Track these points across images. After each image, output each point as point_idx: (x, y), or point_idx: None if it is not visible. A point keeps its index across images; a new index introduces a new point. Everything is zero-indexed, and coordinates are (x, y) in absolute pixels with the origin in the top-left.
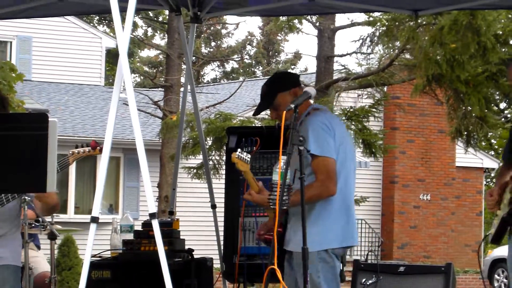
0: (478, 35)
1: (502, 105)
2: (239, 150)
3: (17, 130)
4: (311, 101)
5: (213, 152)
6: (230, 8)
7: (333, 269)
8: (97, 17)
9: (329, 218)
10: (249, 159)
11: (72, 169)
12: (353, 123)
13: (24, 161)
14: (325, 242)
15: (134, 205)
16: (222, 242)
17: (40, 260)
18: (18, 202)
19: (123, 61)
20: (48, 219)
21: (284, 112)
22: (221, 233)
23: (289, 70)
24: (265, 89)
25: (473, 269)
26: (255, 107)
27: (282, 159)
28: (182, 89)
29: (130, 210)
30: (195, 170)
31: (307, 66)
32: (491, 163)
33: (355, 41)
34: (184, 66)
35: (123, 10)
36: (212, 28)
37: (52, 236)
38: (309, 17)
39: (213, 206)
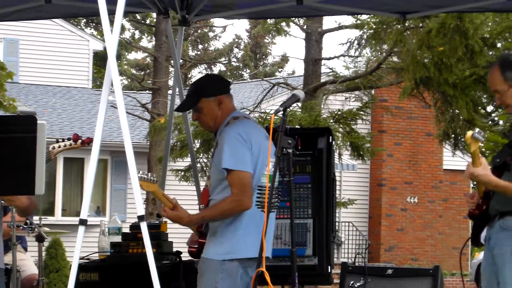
0: (465, 38)
1: (490, 108)
2: (141, 171)
3: (5, 132)
4: (233, 108)
5: (201, 154)
6: (218, 11)
7: (234, 282)
8: (84, 20)
9: (238, 229)
10: (155, 179)
11: (60, 171)
12: (341, 126)
13: (12, 163)
14: (232, 252)
15: (122, 208)
16: None
17: (28, 263)
18: (0, 203)
19: (112, 63)
20: (36, 221)
21: (273, 115)
22: None
23: (221, 75)
24: (191, 90)
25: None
26: (243, 109)
27: (271, 161)
28: (170, 91)
29: (118, 212)
30: (183, 173)
31: (294, 69)
32: None
33: (342, 44)
34: (171, 69)
35: (111, 12)
36: (199, 31)
37: (40, 239)
38: (296, 20)
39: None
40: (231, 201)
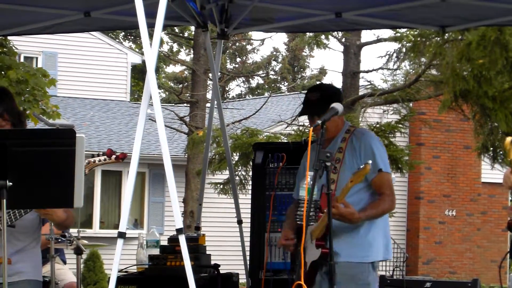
0: (506, 51)
1: None
2: None
3: (45, 145)
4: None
5: (240, 167)
6: (257, 25)
7: (377, 280)
8: (123, 33)
9: (375, 232)
10: None
11: (97, 184)
12: (379, 138)
13: (51, 176)
14: (375, 254)
15: (159, 220)
16: (248, 258)
17: (66, 271)
18: (38, 215)
19: (151, 77)
20: (74, 234)
21: (311, 128)
22: (247, 249)
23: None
24: (318, 97)
25: (499, 285)
26: (281, 122)
27: (309, 175)
28: (208, 104)
29: (155, 225)
30: (221, 186)
31: (332, 82)
32: None
33: (381, 56)
34: (209, 82)
35: (150, 26)
36: (237, 44)
37: (78, 251)
38: (335, 33)
39: (239, 222)
40: (389, 201)
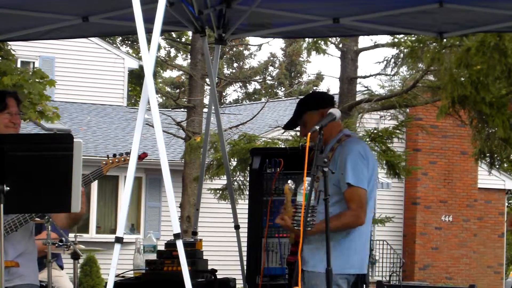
0: (505, 57)
1: None
2: None
3: (42, 150)
4: (341, 124)
5: (238, 173)
6: (255, 30)
7: None
8: (120, 38)
9: (350, 244)
10: None
11: (94, 188)
12: (377, 144)
13: (49, 181)
14: (342, 267)
15: (156, 225)
16: (245, 263)
17: (63, 279)
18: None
19: (149, 82)
20: (71, 238)
21: (309, 133)
22: (244, 254)
23: (325, 91)
24: (296, 106)
25: None
26: (278, 127)
27: (307, 180)
28: (205, 110)
29: (152, 230)
30: (221, 192)
31: (329, 87)
32: None
33: (379, 62)
34: (207, 87)
35: (148, 31)
36: (234, 49)
37: (75, 256)
38: (332, 38)
39: (237, 227)
40: (351, 215)
